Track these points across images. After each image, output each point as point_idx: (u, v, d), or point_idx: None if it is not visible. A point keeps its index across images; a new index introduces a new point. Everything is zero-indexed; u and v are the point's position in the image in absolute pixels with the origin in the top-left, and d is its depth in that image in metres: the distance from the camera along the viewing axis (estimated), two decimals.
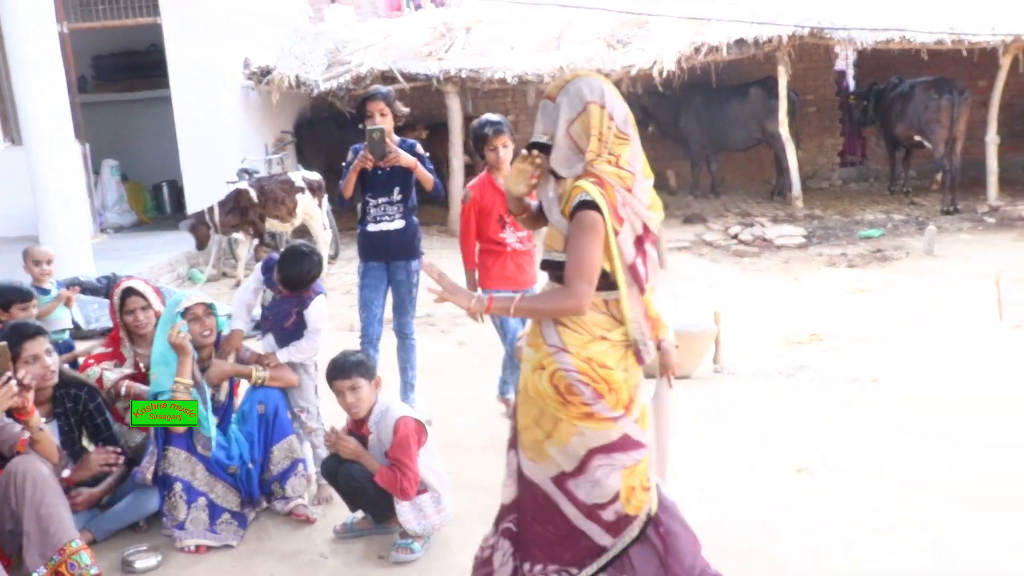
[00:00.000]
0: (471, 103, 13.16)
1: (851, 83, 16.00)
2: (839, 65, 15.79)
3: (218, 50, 11.90)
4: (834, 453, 4.87)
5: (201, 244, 10.03)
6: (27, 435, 3.71)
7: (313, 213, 10.19)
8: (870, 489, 4.43)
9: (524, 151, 3.19)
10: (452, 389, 6.25)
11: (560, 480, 3.14)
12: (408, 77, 11.85)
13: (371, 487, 3.96)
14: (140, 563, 3.95)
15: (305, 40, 13.34)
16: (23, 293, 5.04)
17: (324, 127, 13.87)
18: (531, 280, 5.39)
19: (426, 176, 5.32)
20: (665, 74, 11.49)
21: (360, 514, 4.22)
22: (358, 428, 4.12)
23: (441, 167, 13.19)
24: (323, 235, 10.25)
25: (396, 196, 5.38)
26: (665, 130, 13.93)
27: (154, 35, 12.68)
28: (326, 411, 4.70)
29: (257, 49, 12.81)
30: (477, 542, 4.11)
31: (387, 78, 11.79)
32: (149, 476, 4.13)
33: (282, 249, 4.78)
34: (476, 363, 6.69)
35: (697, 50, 11.54)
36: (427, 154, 5.50)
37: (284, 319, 4.52)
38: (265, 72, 12.42)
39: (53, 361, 4.03)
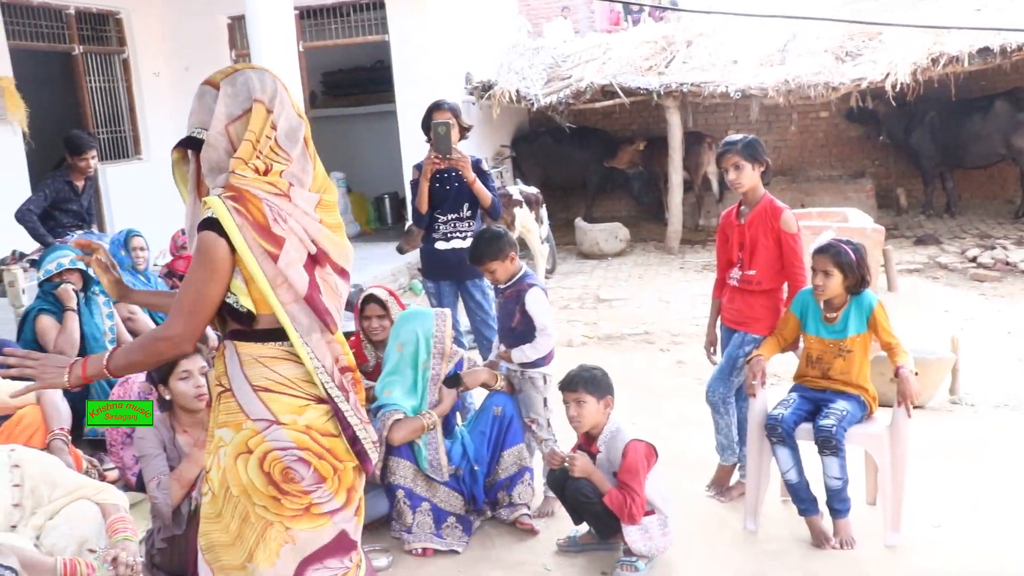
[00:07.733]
0: (691, 118, 12.97)
1: None
2: None
3: (441, 66, 12.22)
4: None
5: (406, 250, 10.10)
6: None
7: (530, 226, 10.27)
8: None
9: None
10: (664, 407, 6.16)
11: None
12: (628, 91, 11.77)
13: (599, 503, 3.91)
14: (373, 562, 4.04)
15: (525, 55, 13.53)
16: None
17: (542, 141, 14.03)
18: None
19: (483, 193, 5.24)
20: (899, 87, 10.91)
21: (584, 528, 4.18)
22: (588, 445, 4.08)
23: (659, 182, 13.11)
24: (540, 249, 10.31)
25: (466, 212, 5.29)
26: (896, 145, 13.24)
27: (381, 52, 13.17)
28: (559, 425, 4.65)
29: (478, 65, 13.10)
30: (700, 562, 4.00)
31: (607, 92, 11.81)
32: (379, 473, 4.19)
33: None
34: (692, 383, 6.53)
35: (935, 61, 10.86)
36: (490, 171, 5.39)
37: (509, 319, 4.53)
38: (486, 87, 12.67)
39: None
